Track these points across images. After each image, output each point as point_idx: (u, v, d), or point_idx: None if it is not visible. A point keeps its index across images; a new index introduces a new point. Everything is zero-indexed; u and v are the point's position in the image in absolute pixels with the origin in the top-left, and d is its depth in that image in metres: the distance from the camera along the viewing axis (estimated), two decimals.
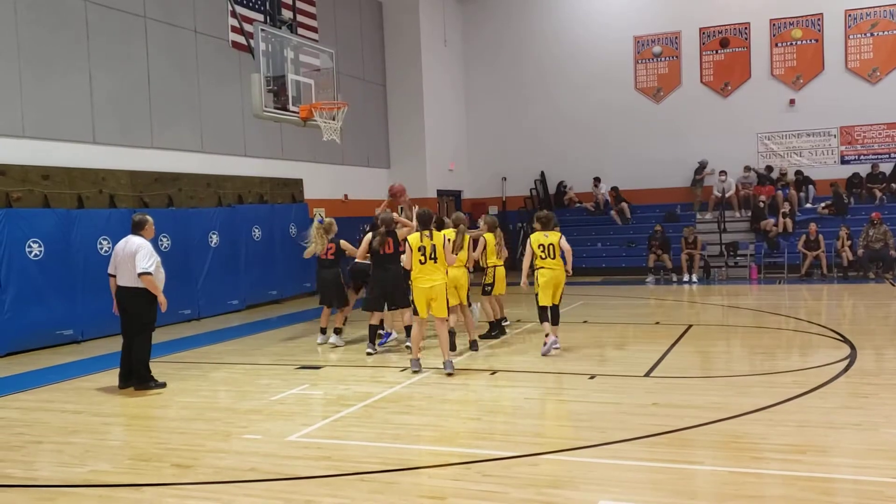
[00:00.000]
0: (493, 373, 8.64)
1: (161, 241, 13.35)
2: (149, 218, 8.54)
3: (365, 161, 20.87)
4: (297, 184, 17.79)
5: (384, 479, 5.27)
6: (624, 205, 21.90)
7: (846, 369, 8.12)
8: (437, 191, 22.35)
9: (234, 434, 6.55)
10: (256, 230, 15.98)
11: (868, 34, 20.61)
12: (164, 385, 8.42)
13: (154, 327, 8.50)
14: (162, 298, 8.28)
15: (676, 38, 22.23)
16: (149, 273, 8.12)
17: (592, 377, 8.22)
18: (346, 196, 19.72)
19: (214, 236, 14.81)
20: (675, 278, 18.60)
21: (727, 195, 20.90)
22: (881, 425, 6.13)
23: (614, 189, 22.25)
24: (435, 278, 8.60)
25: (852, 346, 9.23)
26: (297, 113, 11.04)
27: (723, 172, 21.10)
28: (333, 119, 11.27)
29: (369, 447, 6.02)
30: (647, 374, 8.32)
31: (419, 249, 8.57)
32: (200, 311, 14.31)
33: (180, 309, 13.66)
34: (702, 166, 21.24)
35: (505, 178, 23.62)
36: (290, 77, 11.06)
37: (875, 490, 4.80)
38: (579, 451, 5.72)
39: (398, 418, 6.88)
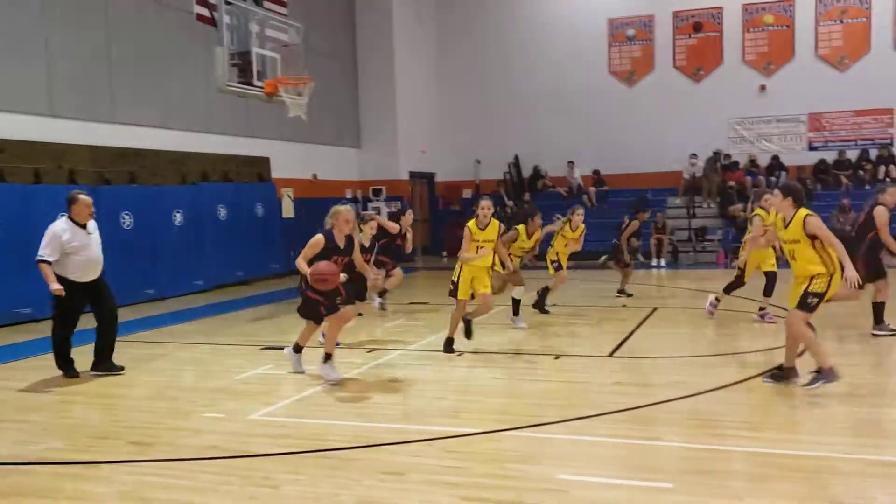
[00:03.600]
0: (460, 354, 8.61)
1: (123, 218, 13.13)
2: (80, 196, 7.72)
3: (335, 140, 20.65)
4: (265, 162, 17.56)
5: (344, 456, 5.25)
6: (592, 189, 21.93)
7: (804, 350, 8.19)
8: (410, 173, 22.22)
9: (196, 413, 6.50)
10: (222, 209, 15.75)
11: (838, 21, 20.78)
12: (77, 375, 7.88)
13: (63, 312, 7.71)
14: (53, 287, 7.44)
15: (650, 21, 22.25)
16: (45, 261, 7.44)
17: (558, 357, 8.25)
18: (314, 176, 19.54)
19: (178, 215, 14.58)
20: (641, 259, 18.74)
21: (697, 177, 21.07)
22: (837, 403, 6.22)
23: (596, 172, 22.26)
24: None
25: (813, 328, 9.31)
26: (262, 88, 10.87)
27: (693, 156, 21.23)
28: (299, 95, 11.12)
29: (332, 425, 6.00)
30: (610, 354, 8.37)
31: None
32: (164, 291, 14.11)
33: (144, 289, 13.48)
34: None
35: (479, 161, 23.54)
36: (255, 51, 10.89)
37: (829, 465, 4.88)
38: (542, 428, 5.75)
39: (364, 397, 6.87)
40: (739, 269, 10.18)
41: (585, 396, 6.73)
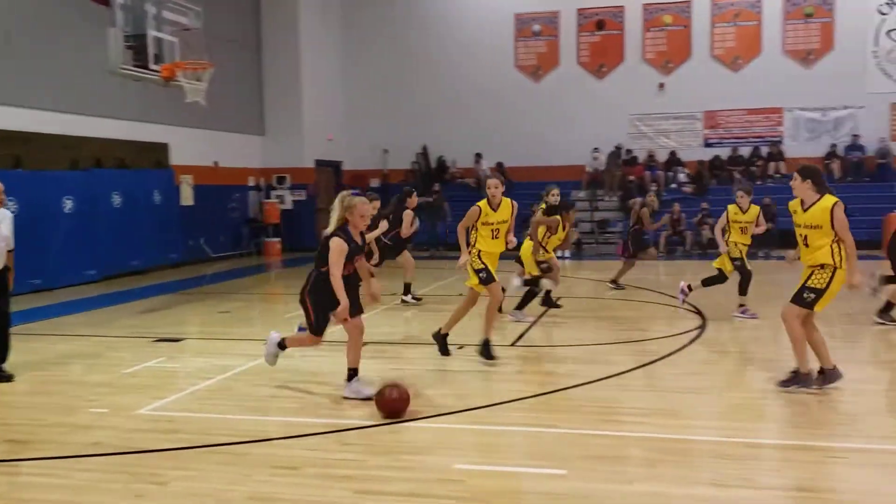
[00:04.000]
0: (364, 344, 8.51)
1: (7, 205, 12.38)
2: None
3: (237, 127, 20.10)
4: (163, 148, 16.93)
5: (236, 451, 5.13)
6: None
7: (695, 339, 8.54)
8: (316, 161, 21.88)
9: (81, 408, 6.21)
10: (116, 196, 15.12)
11: (732, 23, 21.63)
12: None
13: None
14: None
15: (555, 17, 22.59)
16: None
17: (462, 347, 8.25)
18: (216, 163, 18.98)
19: (69, 202, 13.89)
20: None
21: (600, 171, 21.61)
22: (721, 390, 6.50)
23: (498, 164, 22.45)
24: None
25: (703, 318, 9.71)
26: (159, 72, 10.46)
27: (596, 150, 21.73)
28: (199, 80, 10.76)
29: (225, 420, 5.86)
30: (513, 344, 8.45)
31: None
32: (53, 282, 13.41)
33: (29, 278, 12.76)
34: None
35: (387, 151, 23.38)
36: (151, 34, 10.46)
37: (714, 449, 5.09)
38: (441, 418, 5.75)
39: (259, 391, 6.71)
40: (735, 260, 9.86)
41: (486, 386, 6.78)
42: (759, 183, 20.57)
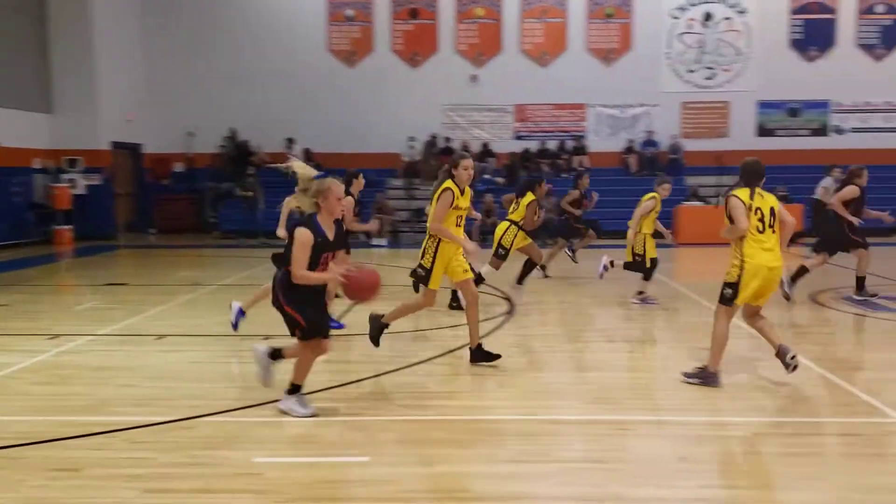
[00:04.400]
0: (160, 337, 8.01)
1: None
2: None
3: (19, 103, 18.20)
4: None
5: (7, 455, 4.67)
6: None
7: (503, 324, 8.79)
8: (113, 143, 20.35)
9: None
10: None
11: (540, 20, 22.54)
12: None
13: None
14: None
15: (369, 3, 22.46)
16: None
17: (267, 338, 7.94)
18: None
19: None
20: (364, 239, 18.97)
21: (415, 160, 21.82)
22: (521, 372, 6.72)
23: (306, 151, 22.01)
24: (778, 255, 6.01)
25: (511, 303, 10.02)
26: None
27: (412, 139, 21.89)
28: None
29: None
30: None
31: (755, 211, 5.94)
32: None
33: None
34: None
35: (192, 134, 22.20)
36: None
37: (514, 427, 5.26)
38: (240, 412, 5.54)
39: (39, 389, 6.16)
40: (637, 255, 9.77)
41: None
42: (564, 176, 21.67)
